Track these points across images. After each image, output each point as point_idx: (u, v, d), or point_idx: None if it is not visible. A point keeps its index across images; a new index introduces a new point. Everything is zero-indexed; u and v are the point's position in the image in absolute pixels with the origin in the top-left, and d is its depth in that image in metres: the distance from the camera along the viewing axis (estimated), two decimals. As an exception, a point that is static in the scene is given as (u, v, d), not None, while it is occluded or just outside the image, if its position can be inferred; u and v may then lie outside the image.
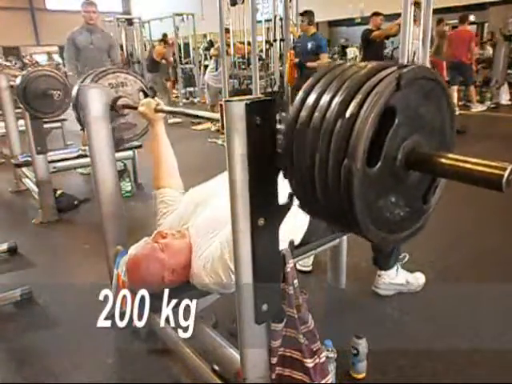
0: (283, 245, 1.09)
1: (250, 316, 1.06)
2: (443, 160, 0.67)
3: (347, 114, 0.65)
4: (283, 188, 0.93)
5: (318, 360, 1.18)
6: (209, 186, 1.71)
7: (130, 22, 9.91)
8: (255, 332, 1.09)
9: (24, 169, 3.75)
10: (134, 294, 1.54)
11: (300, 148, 0.73)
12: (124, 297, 1.64)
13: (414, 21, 5.57)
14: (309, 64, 5.19)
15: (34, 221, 3.19)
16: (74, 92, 1.96)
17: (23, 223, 3.24)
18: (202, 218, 1.53)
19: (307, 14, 5.50)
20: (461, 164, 0.64)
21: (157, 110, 1.68)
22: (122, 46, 9.71)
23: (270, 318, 1.10)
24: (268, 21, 7.45)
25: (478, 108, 7.28)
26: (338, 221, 0.78)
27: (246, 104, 0.89)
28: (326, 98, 0.70)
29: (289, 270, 1.10)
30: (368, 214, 0.70)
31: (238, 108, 0.89)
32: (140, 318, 1.68)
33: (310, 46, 5.28)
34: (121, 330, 1.87)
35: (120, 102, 1.89)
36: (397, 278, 2.02)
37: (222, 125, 0.95)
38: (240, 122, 0.90)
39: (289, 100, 6.38)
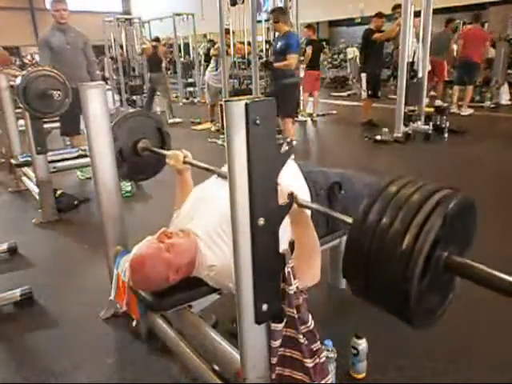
0: (283, 245, 1.09)
1: (250, 316, 1.06)
2: (477, 271, 0.86)
3: (403, 247, 0.80)
4: (287, 173, 0.94)
5: (317, 360, 1.18)
6: (211, 182, 1.72)
7: (129, 22, 9.90)
8: (255, 332, 1.10)
9: (24, 168, 3.76)
10: (134, 294, 1.55)
11: (361, 262, 0.88)
12: (124, 297, 1.65)
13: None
14: (275, 65, 4.83)
15: (33, 221, 3.19)
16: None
17: (23, 223, 3.24)
18: (206, 213, 1.54)
19: (275, 12, 5.08)
20: (477, 271, 0.86)
21: (185, 162, 1.75)
22: (121, 46, 9.73)
23: (270, 318, 1.10)
24: (268, 21, 7.46)
25: (466, 112, 6.94)
26: (390, 312, 0.97)
27: (246, 104, 0.89)
28: (384, 225, 0.84)
29: (289, 270, 1.10)
30: (419, 313, 0.88)
31: (238, 108, 0.89)
32: (140, 317, 1.69)
33: (279, 45, 4.79)
34: (121, 330, 1.89)
35: (141, 145, 1.95)
36: None
37: (222, 125, 0.95)
38: (240, 122, 0.90)
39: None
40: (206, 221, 1.51)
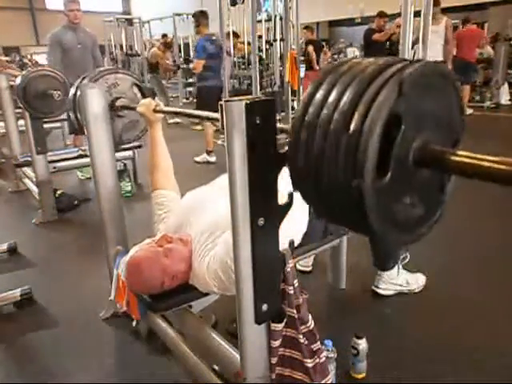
0: (283, 245, 1.09)
1: (250, 316, 1.06)
2: (456, 158, 0.65)
3: (350, 130, 0.63)
4: (284, 185, 0.93)
5: (318, 360, 1.18)
6: (206, 191, 1.70)
7: (129, 22, 9.91)
8: (255, 332, 1.09)
9: (24, 168, 3.76)
10: (134, 294, 1.55)
11: (307, 161, 0.71)
12: (124, 297, 1.65)
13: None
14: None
15: (34, 221, 3.19)
16: (70, 94, 1.96)
17: (23, 223, 3.24)
18: (200, 222, 1.52)
19: (196, 15, 5.14)
20: (477, 162, 0.62)
21: (156, 111, 1.68)
22: (121, 46, 9.73)
23: (270, 318, 1.10)
24: (268, 21, 7.45)
25: (466, 112, 6.94)
26: (350, 227, 0.77)
27: (246, 104, 0.89)
28: (327, 110, 0.67)
29: (289, 270, 1.09)
30: (384, 222, 0.69)
31: (238, 108, 0.89)
32: (140, 317, 1.69)
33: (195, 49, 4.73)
34: (121, 330, 1.89)
35: (118, 103, 1.90)
36: (397, 279, 2.01)
37: (222, 125, 0.95)
38: (240, 122, 0.90)
39: (288, 100, 6.37)
40: (199, 227, 1.50)
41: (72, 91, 1.95)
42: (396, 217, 0.71)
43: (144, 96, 1.99)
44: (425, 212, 0.76)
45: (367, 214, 0.65)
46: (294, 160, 0.73)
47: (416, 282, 2.05)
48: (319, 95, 0.70)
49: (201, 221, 1.52)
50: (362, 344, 1.52)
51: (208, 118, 1.43)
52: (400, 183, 0.68)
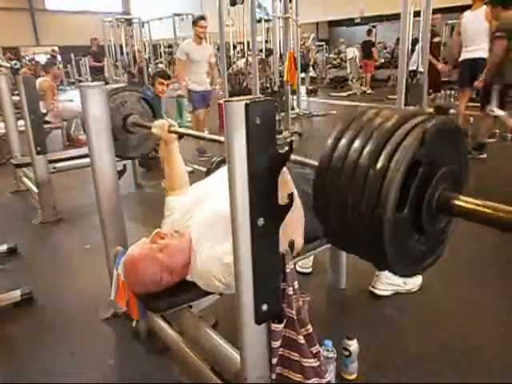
0: (283, 245, 1.09)
1: (250, 316, 1.06)
2: (462, 203, 0.76)
3: (378, 166, 0.72)
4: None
5: (316, 362, 1.18)
6: (208, 182, 1.72)
7: (129, 23, 9.91)
8: (255, 332, 1.09)
9: (24, 169, 3.75)
10: (134, 294, 1.55)
11: (332, 189, 0.80)
12: (124, 297, 1.65)
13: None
14: None
15: (34, 221, 3.19)
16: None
17: (23, 223, 3.24)
18: (202, 212, 1.53)
19: None
20: (479, 208, 0.74)
21: (170, 131, 1.72)
22: (121, 47, 9.74)
23: (270, 318, 1.10)
24: (268, 21, 7.47)
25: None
26: (367, 257, 0.85)
27: (246, 104, 0.89)
28: (357, 145, 0.77)
29: (289, 270, 1.09)
30: (397, 253, 0.77)
31: (238, 108, 0.89)
32: (140, 318, 1.69)
33: None
34: (121, 330, 1.89)
35: (130, 120, 1.94)
36: (394, 279, 2.02)
37: (222, 124, 0.95)
38: (240, 122, 0.90)
39: (287, 100, 6.36)
40: (200, 221, 1.51)
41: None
42: (407, 250, 0.81)
43: (152, 109, 2.03)
44: (429, 249, 0.86)
45: (384, 243, 0.74)
46: (320, 190, 0.83)
47: (413, 282, 2.06)
48: (345, 139, 0.80)
49: (203, 211, 1.53)
50: (354, 345, 1.52)
51: (219, 141, 1.47)
52: (413, 220, 0.77)
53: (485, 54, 4.79)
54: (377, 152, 0.73)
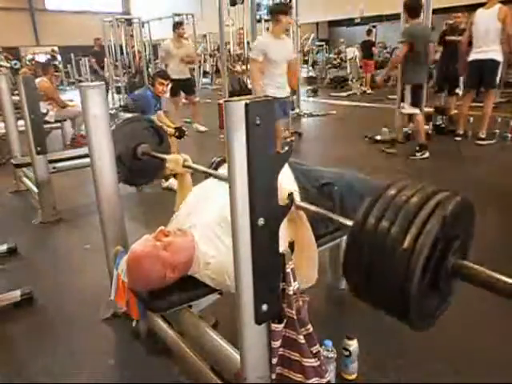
0: (283, 245, 1.09)
1: (250, 316, 1.06)
2: (470, 271, 0.89)
3: (405, 246, 0.82)
4: (286, 178, 0.94)
5: (317, 362, 1.18)
6: (211, 180, 1.72)
7: (129, 23, 9.91)
8: (255, 332, 1.10)
9: (24, 168, 3.75)
10: (134, 294, 1.55)
11: (361, 262, 0.90)
12: (124, 297, 1.65)
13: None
14: None
15: (34, 221, 3.19)
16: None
17: (23, 223, 3.24)
18: (204, 211, 1.54)
19: None
20: (483, 276, 0.87)
21: (184, 166, 1.78)
22: (121, 47, 9.73)
23: (270, 318, 1.10)
24: (268, 21, 7.45)
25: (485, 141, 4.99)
26: (390, 313, 0.97)
27: (246, 104, 0.89)
28: (382, 228, 0.87)
29: (289, 270, 1.10)
30: (418, 315, 0.90)
31: (238, 108, 0.89)
32: (140, 318, 1.69)
33: None
34: (121, 330, 1.89)
35: (141, 149, 1.97)
36: None
37: (221, 123, 0.95)
38: (240, 122, 0.90)
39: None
40: (204, 219, 1.52)
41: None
42: (426, 309, 0.93)
43: (160, 136, 2.11)
44: (441, 301, 0.98)
45: (410, 312, 0.86)
46: (351, 259, 0.94)
47: None
48: (375, 212, 0.89)
49: (205, 210, 1.54)
50: (354, 345, 1.52)
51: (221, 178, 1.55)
52: (432, 286, 0.89)
53: (496, 56, 4.69)
54: (403, 233, 0.83)
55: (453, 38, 5.66)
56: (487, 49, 4.71)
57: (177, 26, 6.04)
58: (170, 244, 1.42)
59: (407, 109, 4.62)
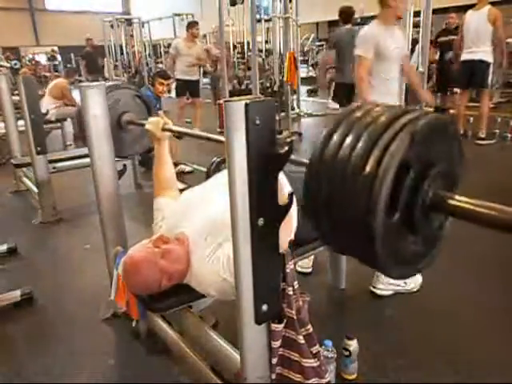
0: (283, 245, 1.09)
1: (250, 316, 1.06)
2: (456, 202, 0.73)
3: (366, 172, 0.70)
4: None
5: (316, 362, 1.18)
6: (203, 188, 1.69)
7: (129, 23, 9.91)
8: (255, 332, 1.09)
9: (24, 168, 3.75)
10: (134, 294, 1.55)
11: (323, 195, 0.78)
12: (124, 297, 1.65)
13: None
14: None
15: (34, 221, 3.19)
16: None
17: (23, 223, 3.24)
18: (197, 221, 1.51)
19: None
20: (473, 207, 0.72)
21: (164, 129, 1.71)
22: (121, 47, 9.74)
23: (270, 318, 1.10)
24: (268, 21, 7.47)
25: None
26: (360, 258, 0.84)
27: (246, 104, 0.89)
28: (344, 152, 0.75)
29: (289, 270, 1.09)
30: (390, 257, 0.76)
31: (238, 108, 0.89)
32: (140, 318, 1.69)
33: None
34: (121, 330, 1.89)
35: (125, 118, 1.92)
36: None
37: (221, 123, 0.95)
38: (240, 122, 0.90)
39: (288, 99, 6.36)
40: (195, 227, 1.49)
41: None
42: (401, 253, 0.79)
43: (147, 106, 2.01)
44: (425, 248, 0.84)
45: (376, 249, 0.72)
46: (310, 193, 0.81)
47: (413, 281, 2.06)
48: (335, 138, 0.77)
49: (197, 219, 1.51)
50: (353, 345, 1.52)
51: (216, 140, 1.45)
52: (406, 223, 0.75)
53: (486, 57, 4.75)
54: (364, 157, 0.71)
55: (444, 38, 5.71)
56: (477, 50, 4.77)
57: (191, 25, 5.69)
58: (169, 252, 1.41)
59: (331, 104, 5.13)
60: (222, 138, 1.25)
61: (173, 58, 5.69)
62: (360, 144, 0.72)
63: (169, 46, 11.08)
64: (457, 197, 0.74)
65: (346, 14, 4.86)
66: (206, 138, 1.58)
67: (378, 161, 0.69)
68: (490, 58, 4.78)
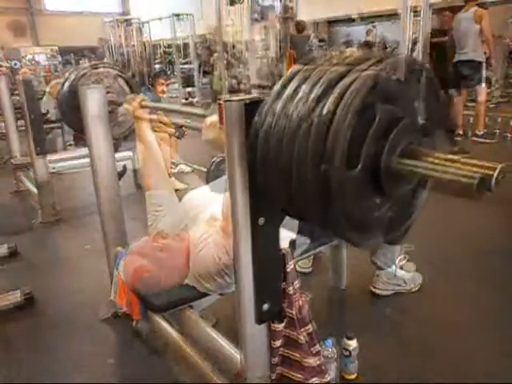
0: (283, 244, 1.09)
1: (250, 316, 1.06)
2: (432, 159, 0.64)
3: (324, 111, 0.60)
4: None
5: (317, 362, 1.18)
6: (208, 190, 1.70)
7: (128, 23, 9.91)
8: (256, 332, 1.09)
9: (24, 169, 3.75)
10: (135, 294, 1.55)
11: (275, 145, 0.68)
12: (125, 297, 1.65)
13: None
14: None
15: (34, 221, 3.19)
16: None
17: (23, 224, 3.23)
18: (201, 222, 1.52)
19: None
20: (448, 163, 0.61)
21: (141, 106, 1.65)
22: (121, 47, 9.74)
23: (271, 317, 1.10)
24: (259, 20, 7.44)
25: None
26: (320, 223, 0.73)
27: (246, 104, 0.89)
28: (302, 93, 0.65)
29: (289, 270, 1.09)
30: (348, 218, 0.64)
31: (238, 108, 0.89)
32: (140, 317, 1.69)
33: None
34: (121, 330, 1.89)
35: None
36: (394, 279, 2.02)
37: (221, 122, 0.95)
38: (239, 122, 0.90)
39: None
40: (197, 228, 1.50)
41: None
42: (362, 215, 0.67)
43: (131, 88, 1.96)
44: (398, 216, 0.73)
45: (334, 206, 0.61)
46: (257, 144, 0.72)
47: (413, 281, 2.06)
48: (295, 81, 0.68)
49: (201, 220, 1.52)
50: (353, 345, 1.52)
51: (193, 114, 1.42)
52: (370, 179, 0.64)
53: (476, 57, 4.88)
54: (323, 97, 0.61)
55: (436, 39, 5.78)
56: (467, 50, 4.91)
57: None
58: (168, 247, 1.41)
59: None
60: (203, 112, 1.22)
61: None
62: (319, 85, 0.63)
63: (169, 46, 11.11)
64: (428, 152, 0.66)
65: (301, 27, 6.51)
66: (186, 112, 1.56)
67: (338, 100, 0.59)
68: (480, 58, 4.91)
